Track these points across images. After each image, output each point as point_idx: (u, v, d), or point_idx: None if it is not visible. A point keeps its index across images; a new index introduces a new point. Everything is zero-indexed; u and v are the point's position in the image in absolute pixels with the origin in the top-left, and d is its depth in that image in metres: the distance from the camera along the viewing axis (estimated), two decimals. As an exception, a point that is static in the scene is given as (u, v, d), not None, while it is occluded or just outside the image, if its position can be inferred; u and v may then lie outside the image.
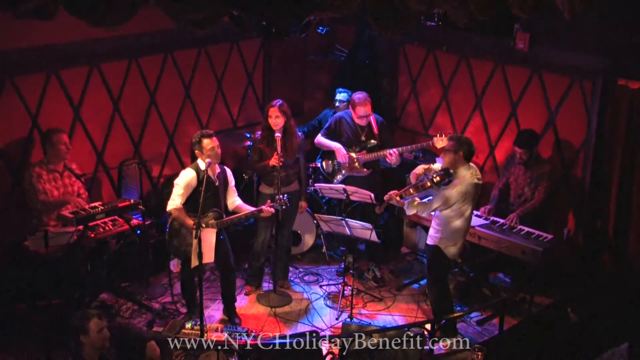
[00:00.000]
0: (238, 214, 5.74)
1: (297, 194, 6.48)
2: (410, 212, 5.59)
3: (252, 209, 5.82)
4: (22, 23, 4.83)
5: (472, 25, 4.63)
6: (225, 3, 4.30)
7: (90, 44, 6.23)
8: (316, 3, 4.44)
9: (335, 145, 6.66)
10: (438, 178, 5.34)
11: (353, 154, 6.61)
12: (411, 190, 5.47)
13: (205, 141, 5.53)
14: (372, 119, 6.61)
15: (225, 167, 5.88)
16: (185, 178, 5.55)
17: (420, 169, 5.74)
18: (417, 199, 5.52)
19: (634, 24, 5.73)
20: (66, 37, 5.97)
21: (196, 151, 5.61)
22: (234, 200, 5.86)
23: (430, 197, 5.56)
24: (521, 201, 6.46)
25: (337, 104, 7.36)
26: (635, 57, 5.85)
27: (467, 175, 5.37)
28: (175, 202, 5.53)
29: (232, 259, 5.95)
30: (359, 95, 6.54)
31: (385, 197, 5.59)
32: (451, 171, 5.37)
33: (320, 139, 6.79)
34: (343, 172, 6.70)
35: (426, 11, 5.08)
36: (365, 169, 6.65)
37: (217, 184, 5.66)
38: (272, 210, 5.77)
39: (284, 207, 5.88)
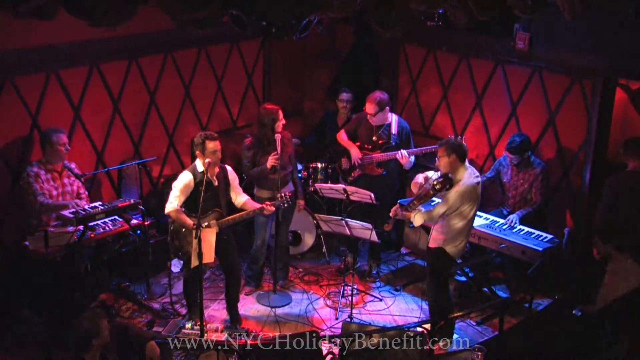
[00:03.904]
0: (240, 213, 5.74)
1: (293, 194, 6.48)
2: (417, 223, 5.51)
3: (257, 205, 5.81)
4: (22, 23, 4.83)
5: (472, 25, 4.63)
6: (225, 3, 4.30)
7: (90, 44, 6.23)
8: (316, 3, 4.44)
9: (350, 145, 6.69)
10: (439, 185, 5.33)
11: (372, 155, 6.61)
12: (415, 202, 5.47)
13: (210, 144, 5.50)
14: (393, 120, 6.61)
15: (226, 166, 5.86)
16: (183, 181, 5.54)
17: (420, 177, 5.76)
18: (421, 209, 5.50)
19: (634, 24, 5.73)
20: (66, 37, 5.97)
21: (197, 151, 5.60)
22: (240, 197, 5.85)
23: (436, 202, 5.57)
24: (515, 202, 6.49)
25: (344, 103, 7.37)
26: (635, 57, 5.85)
27: (466, 176, 5.36)
28: (172, 204, 5.53)
29: (238, 259, 5.95)
30: (371, 94, 6.54)
31: (391, 214, 5.59)
32: (450, 176, 5.37)
33: (341, 134, 6.84)
34: (358, 170, 6.71)
35: (426, 11, 5.09)
36: (379, 169, 6.65)
37: (216, 184, 5.65)
38: (273, 208, 5.77)
39: (285, 204, 5.88)
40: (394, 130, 6.59)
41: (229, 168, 5.86)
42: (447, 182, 5.33)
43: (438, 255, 5.55)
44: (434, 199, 5.62)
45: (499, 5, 4.33)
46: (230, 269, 5.91)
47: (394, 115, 6.67)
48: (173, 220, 5.62)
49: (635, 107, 6.21)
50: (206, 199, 5.35)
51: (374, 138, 6.61)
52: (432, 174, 5.68)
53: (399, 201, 6.66)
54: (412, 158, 6.52)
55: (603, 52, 6.04)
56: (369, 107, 6.48)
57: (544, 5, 4.23)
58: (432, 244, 5.60)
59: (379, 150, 6.60)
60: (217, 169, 5.69)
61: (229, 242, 5.80)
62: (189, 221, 5.49)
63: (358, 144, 6.71)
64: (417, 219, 5.45)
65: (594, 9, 4.18)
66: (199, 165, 5.59)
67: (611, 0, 5.52)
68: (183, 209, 5.56)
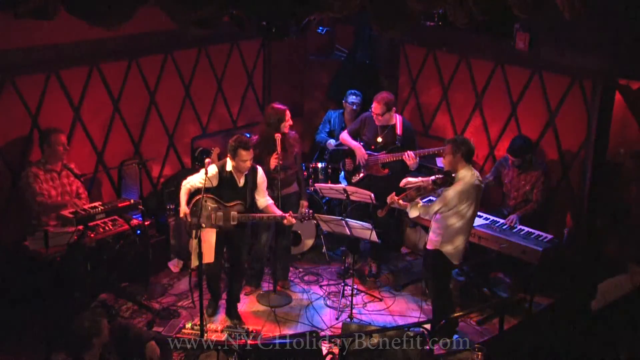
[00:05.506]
0: (261, 214, 5.79)
1: (297, 195, 6.49)
2: (412, 214, 5.55)
3: (279, 212, 5.81)
4: (22, 23, 4.82)
5: (472, 25, 4.63)
6: (225, 3, 4.30)
7: (90, 44, 6.23)
8: (316, 3, 4.44)
9: (355, 144, 6.68)
10: (440, 181, 5.34)
11: (377, 155, 6.61)
12: (413, 194, 5.47)
13: (243, 152, 5.53)
14: (398, 121, 6.61)
15: (258, 168, 5.85)
16: (210, 171, 5.53)
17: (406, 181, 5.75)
18: (419, 201, 5.51)
19: (634, 24, 5.73)
20: (66, 37, 5.97)
21: (229, 154, 5.63)
22: (264, 200, 5.88)
23: (432, 199, 5.55)
24: (516, 202, 6.48)
25: (354, 106, 7.32)
26: (635, 57, 5.85)
27: (468, 176, 5.36)
28: (189, 180, 5.64)
29: (245, 255, 5.98)
30: (378, 94, 6.54)
31: (388, 200, 5.59)
32: (453, 174, 5.37)
33: (344, 135, 6.83)
34: (363, 171, 6.71)
35: (426, 11, 5.10)
36: (384, 170, 6.64)
37: (240, 184, 5.69)
38: (294, 220, 5.77)
39: (306, 220, 5.96)
40: (398, 131, 6.57)
41: (260, 171, 5.85)
42: (449, 179, 5.34)
43: (435, 258, 5.54)
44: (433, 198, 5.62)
45: (499, 5, 4.33)
46: (235, 261, 5.93)
47: (398, 116, 6.65)
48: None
49: (632, 111, 6.21)
50: (227, 194, 5.54)
51: (379, 139, 6.61)
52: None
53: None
54: (417, 158, 6.52)
55: (603, 52, 6.03)
56: (376, 107, 6.47)
57: (544, 5, 4.23)
58: (429, 246, 5.60)
59: (384, 151, 6.60)
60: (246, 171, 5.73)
61: (243, 236, 5.83)
62: (184, 204, 5.60)
63: (362, 144, 6.69)
64: (413, 211, 5.48)
65: (594, 9, 4.18)
66: (229, 164, 5.65)
67: (611, 1, 5.52)
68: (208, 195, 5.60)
